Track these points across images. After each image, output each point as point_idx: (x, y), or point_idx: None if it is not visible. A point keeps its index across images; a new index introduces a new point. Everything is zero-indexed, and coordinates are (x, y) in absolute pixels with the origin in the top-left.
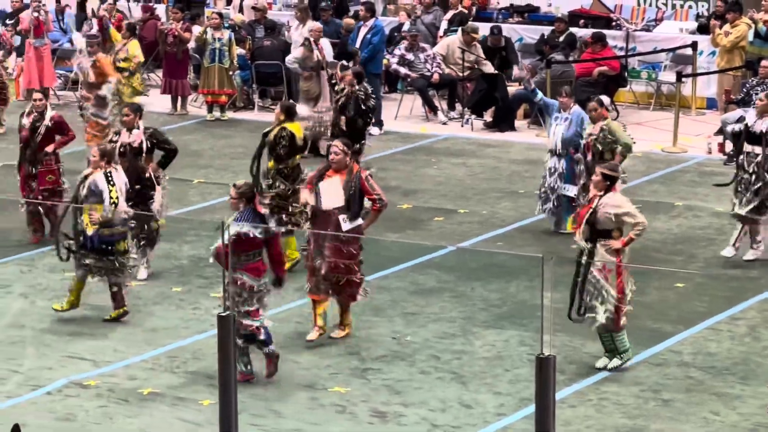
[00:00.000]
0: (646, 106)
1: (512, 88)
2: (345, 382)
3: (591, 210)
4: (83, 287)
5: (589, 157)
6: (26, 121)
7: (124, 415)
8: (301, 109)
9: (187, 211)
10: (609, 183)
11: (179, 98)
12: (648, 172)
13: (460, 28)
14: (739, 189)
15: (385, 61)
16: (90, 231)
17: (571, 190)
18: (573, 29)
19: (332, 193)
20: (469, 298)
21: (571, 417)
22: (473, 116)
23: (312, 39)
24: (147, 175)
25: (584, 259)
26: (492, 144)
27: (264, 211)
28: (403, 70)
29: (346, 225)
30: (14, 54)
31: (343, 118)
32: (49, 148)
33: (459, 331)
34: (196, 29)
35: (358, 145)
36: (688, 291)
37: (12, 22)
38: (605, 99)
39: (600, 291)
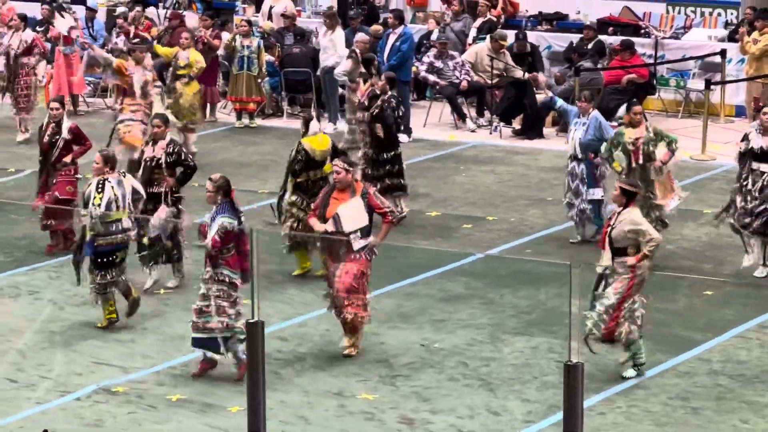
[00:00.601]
0: (675, 114)
1: (541, 96)
2: (373, 389)
3: (610, 227)
4: (112, 301)
5: (640, 160)
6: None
7: (153, 421)
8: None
9: None
10: (627, 198)
11: (208, 105)
12: (677, 179)
13: (488, 36)
14: (742, 204)
15: (413, 69)
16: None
17: (597, 193)
18: (602, 37)
19: (354, 214)
20: (498, 305)
21: (599, 424)
22: (502, 124)
23: (359, 51)
24: (165, 189)
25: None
26: (520, 151)
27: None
28: (431, 78)
29: (357, 243)
30: (44, 61)
31: (378, 126)
32: (67, 159)
33: (487, 338)
34: (225, 36)
35: (392, 154)
36: (717, 299)
37: (42, 29)
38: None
39: (604, 301)
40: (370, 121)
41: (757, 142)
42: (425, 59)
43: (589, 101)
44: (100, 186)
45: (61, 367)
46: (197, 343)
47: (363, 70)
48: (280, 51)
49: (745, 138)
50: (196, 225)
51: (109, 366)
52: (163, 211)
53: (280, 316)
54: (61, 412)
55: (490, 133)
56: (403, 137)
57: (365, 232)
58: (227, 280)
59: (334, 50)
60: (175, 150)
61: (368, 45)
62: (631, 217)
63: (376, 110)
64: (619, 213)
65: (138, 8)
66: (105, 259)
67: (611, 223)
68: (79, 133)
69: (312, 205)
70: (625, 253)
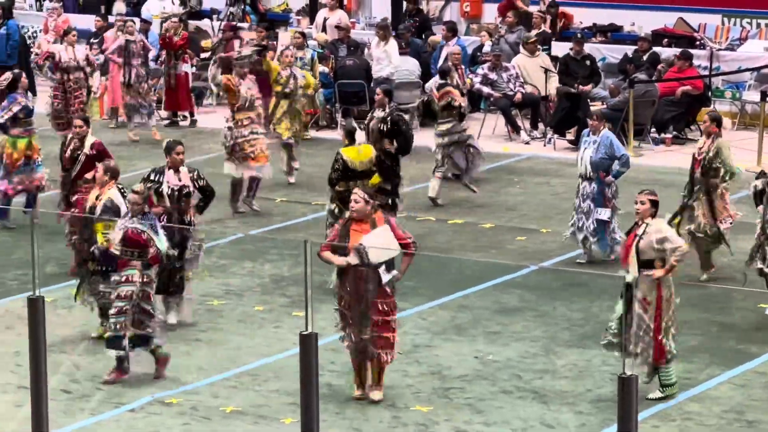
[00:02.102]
0: (730, 126)
1: (595, 107)
2: (427, 401)
3: (637, 238)
4: None
5: (697, 173)
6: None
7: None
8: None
9: (269, 230)
10: (655, 210)
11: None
12: (732, 191)
13: (520, 44)
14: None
15: (467, 81)
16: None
17: (604, 214)
18: (656, 48)
19: (382, 244)
20: (552, 318)
21: None
22: (556, 135)
23: (451, 64)
24: (189, 219)
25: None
26: (575, 163)
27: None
28: (486, 90)
29: (386, 276)
30: (98, 73)
31: (386, 141)
32: (89, 175)
33: (541, 351)
34: (280, 47)
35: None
36: None
37: (96, 41)
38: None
39: (641, 327)
40: (380, 138)
41: None
42: (479, 71)
43: (601, 119)
44: (124, 194)
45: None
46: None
47: (458, 82)
48: (333, 63)
49: (763, 175)
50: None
51: (161, 377)
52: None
53: (333, 328)
54: (115, 423)
55: (544, 145)
56: None
57: (389, 264)
58: (150, 280)
59: (388, 61)
60: (200, 175)
61: (460, 58)
62: (657, 227)
63: (385, 126)
64: (646, 224)
65: (174, 19)
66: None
67: (638, 234)
68: (102, 149)
69: (326, 238)
70: (651, 266)
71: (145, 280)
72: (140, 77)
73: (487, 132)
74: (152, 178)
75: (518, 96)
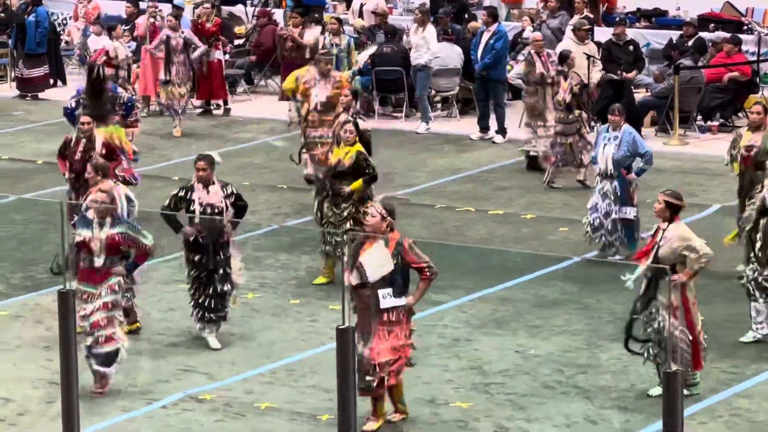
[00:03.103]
0: None
1: (639, 95)
2: (467, 397)
3: (656, 245)
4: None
5: (749, 168)
6: (77, 151)
7: (241, 429)
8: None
9: (304, 222)
10: (672, 212)
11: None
12: None
13: (570, 29)
14: None
15: (508, 68)
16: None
17: (630, 212)
18: (702, 33)
19: (378, 260)
20: (595, 311)
21: None
22: (599, 123)
23: (533, 51)
24: (227, 239)
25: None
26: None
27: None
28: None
29: (386, 301)
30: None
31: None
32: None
33: (584, 344)
34: (315, 32)
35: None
36: None
37: (128, 27)
38: None
39: (670, 332)
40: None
41: None
42: (520, 58)
43: (621, 114)
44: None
45: (148, 374)
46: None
47: (542, 71)
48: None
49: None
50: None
51: (196, 373)
52: (237, 266)
53: None
54: (148, 419)
55: (588, 133)
56: (497, 138)
57: (398, 290)
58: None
59: (426, 48)
60: (233, 191)
61: (542, 45)
62: (680, 233)
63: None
64: (663, 229)
65: (206, 5)
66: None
67: (657, 241)
68: (113, 147)
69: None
70: (673, 271)
71: (124, 287)
72: (180, 76)
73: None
74: (180, 195)
75: None
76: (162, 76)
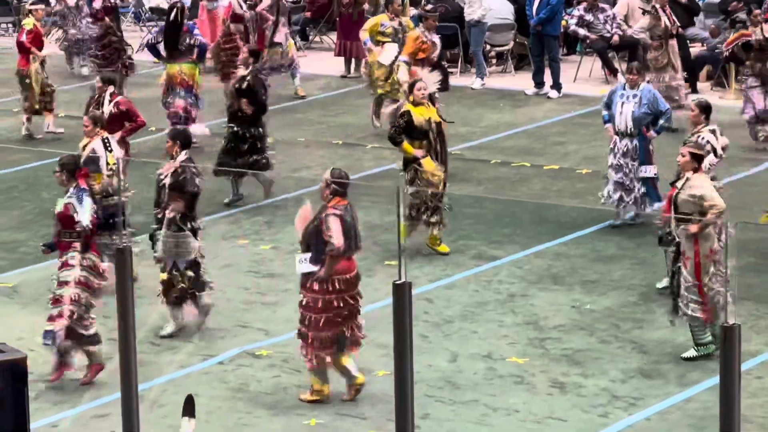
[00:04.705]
0: None
1: (695, 49)
2: (523, 353)
3: (676, 192)
4: None
5: None
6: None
7: (298, 385)
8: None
9: (361, 177)
10: (697, 163)
11: (353, 60)
12: None
13: None
14: None
15: (563, 23)
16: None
17: (650, 171)
18: None
19: (302, 222)
20: (651, 265)
21: (757, 389)
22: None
23: (658, 6)
24: (171, 215)
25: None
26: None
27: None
28: (582, 32)
29: (301, 266)
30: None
31: (245, 101)
32: (116, 136)
33: (640, 299)
34: None
35: (259, 130)
36: None
37: None
38: None
39: (685, 283)
40: (237, 97)
41: None
42: (575, 12)
43: (640, 73)
44: (107, 144)
45: (204, 330)
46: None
47: (667, 24)
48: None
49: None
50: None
51: (253, 329)
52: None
53: (427, 277)
54: (205, 376)
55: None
56: (552, 93)
57: (315, 257)
58: (95, 268)
59: (479, 4)
60: (185, 174)
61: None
62: (697, 182)
63: (245, 84)
64: (686, 178)
65: None
66: (111, 220)
67: (678, 187)
68: (129, 108)
69: None
70: (689, 221)
71: (85, 263)
72: (286, 36)
73: (583, 75)
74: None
75: (615, 38)
76: (270, 38)
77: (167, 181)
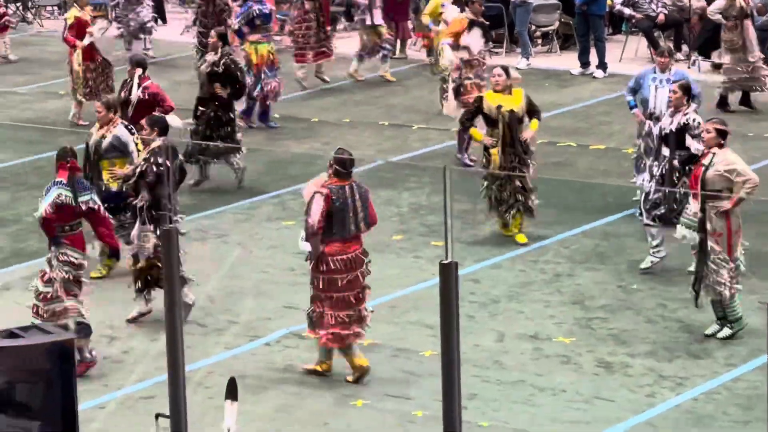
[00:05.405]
0: None
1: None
2: (569, 332)
3: (704, 169)
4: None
5: None
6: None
7: (344, 365)
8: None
9: (407, 157)
10: (722, 139)
11: (398, 41)
12: None
13: None
14: None
15: (608, 2)
16: (115, 187)
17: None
18: None
19: (308, 186)
20: None
21: None
22: (700, 57)
23: None
24: (140, 204)
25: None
26: (720, 86)
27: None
28: (627, 11)
29: (301, 245)
30: None
31: (218, 85)
32: (143, 122)
33: (687, 279)
34: None
35: (231, 115)
36: None
37: None
38: None
39: (711, 257)
40: (209, 81)
41: None
42: None
43: (670, 55)
44: (130, 129)
45: (251, 311)
46: None
47: (742, 4)
48: None
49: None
50: None
51: (299, 310)
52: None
53: (473, 258)
54: (251, 357)
55: (688, 68)
56: (598, 72)
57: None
58: (71, 261)
59: None
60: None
61: None
62: (726, 157)
63: (219, 68)
64: (712, 155)
65: None
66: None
67: (704, 164)
68: (157, 93)
69: None
70: (719, 198)
71: (61, 259)
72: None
73: (629, 54)
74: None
75: (661, 17)
76: (368, 20)
77: (139, 168)
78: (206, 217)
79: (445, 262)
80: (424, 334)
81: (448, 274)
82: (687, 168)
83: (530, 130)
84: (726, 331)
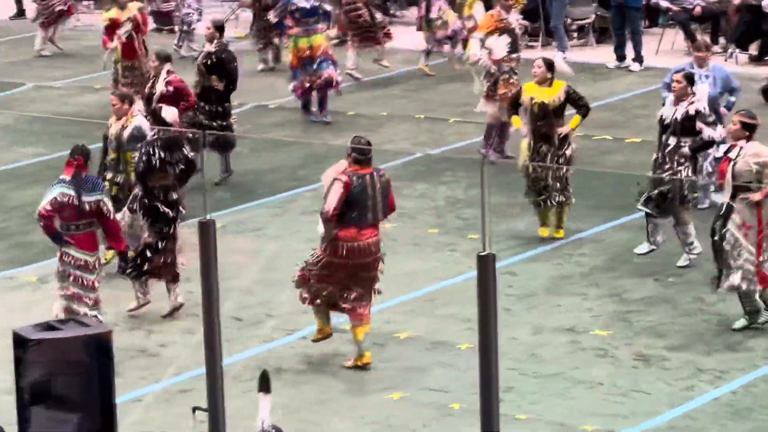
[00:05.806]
0: None
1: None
2: (606, 325)
3: (732, 162)
4: None
5: None
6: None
7: (380, 359)
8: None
9: (444, 150)
10: (749, 132)
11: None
12: None
13: None
14: None
15: None
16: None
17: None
18: None
19: (329, 171)
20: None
21: None
22: (738, 50)
23: None
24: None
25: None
26: (758, 78)
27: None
28: (664, 3)
29: (319, 229)
30: None
31: (214, 77)
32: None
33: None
34: None
35: (228, 105)
36: None
37: None
38: None
39: (737, 250)
40: (206, 73)
41: None
42: None
43: (709, 50)
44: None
45: (287, 305)
46: None
47: None
48: None
49: None
50: None
51: None
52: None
53: (510, 251)
54: (289, 350)
55: (725, 60)
56: (634, 65)
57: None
58: (78, 263)
59: None
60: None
61: None
62: (755, 150)
63: (214, 60)
64: (740, 147)
65: None
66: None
67: (732, 157)
68: (181, 87)
69: None
70: (748, 189)
71: (66, 259)
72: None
73: (665, 47)
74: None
75: (697, 9)
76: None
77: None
78: (242, 211)
79: (483, 253)
80: (460, 328)
81: (485, 265)
82: (699, 155)
83: (569, 125)
84: (741, 322)
